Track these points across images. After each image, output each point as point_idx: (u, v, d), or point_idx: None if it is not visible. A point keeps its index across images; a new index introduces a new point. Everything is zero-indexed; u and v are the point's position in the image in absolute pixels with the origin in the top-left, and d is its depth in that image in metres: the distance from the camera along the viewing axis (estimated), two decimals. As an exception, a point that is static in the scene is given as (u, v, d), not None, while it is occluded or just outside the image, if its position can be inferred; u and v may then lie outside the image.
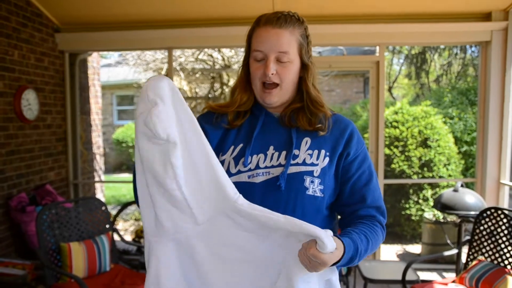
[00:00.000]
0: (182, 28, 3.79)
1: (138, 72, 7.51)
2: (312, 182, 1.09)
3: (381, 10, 3.65)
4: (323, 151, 1.12)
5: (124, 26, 3.90)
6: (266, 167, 1.10)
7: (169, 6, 3.64)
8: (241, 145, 1.14)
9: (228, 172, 1.10)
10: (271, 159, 1.11)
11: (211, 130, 1.16)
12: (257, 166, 1.10)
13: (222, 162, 1.13)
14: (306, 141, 1.13)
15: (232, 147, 1.14)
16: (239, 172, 1.11)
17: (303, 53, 1.14)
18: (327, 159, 1.12)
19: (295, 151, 1.11)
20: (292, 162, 1.10)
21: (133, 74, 8.19)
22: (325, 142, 1.14)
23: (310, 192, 1.08)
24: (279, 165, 1.10)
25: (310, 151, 1.11)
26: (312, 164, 1.10)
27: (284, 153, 1.11)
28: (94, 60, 5.28)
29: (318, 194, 1.09)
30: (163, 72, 6.50)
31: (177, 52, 6.10)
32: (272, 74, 1.10)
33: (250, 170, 1.10)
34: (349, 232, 1.05)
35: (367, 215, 1.13)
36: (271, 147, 1.12)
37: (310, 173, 1.09)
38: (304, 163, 1.10)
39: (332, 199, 1.15)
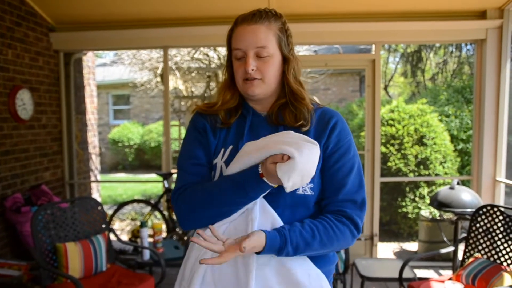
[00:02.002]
0: (177, 27, 3.78)
1: (134, 71, 7.48)
2: None
3: (377, 8, 3.65)
4: None
5: (119, 25, 3.88)
6: None
7: (164, 5, 3.62)
8: (230, 147, 1.13)
9: (221, 176, 1.11)
10: None
11: (211, 132, 1.17)
12: None
13: (214, 167, 1.13)
14: None
15: (222, 150, 1.14)
16: None
17: (283, 47, 1.14)
18: None
19: None
20: None
21: (128, 73, 8.15)
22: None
23: (300, 191, 1.08)
24: None
25: None
26: None
27: None
28: (89, 59, 5.26)
29: (309, 192, 1.09)
30: (159, 71, 6.46)
31: (172, 51, 6.09)
32: (252, 70, 1.10)
33: None
34: (291, 225, 1.05)
35: (336, 210, 1.10)
36: None
37: None
38: None
39: (321, 195, 1.13)
